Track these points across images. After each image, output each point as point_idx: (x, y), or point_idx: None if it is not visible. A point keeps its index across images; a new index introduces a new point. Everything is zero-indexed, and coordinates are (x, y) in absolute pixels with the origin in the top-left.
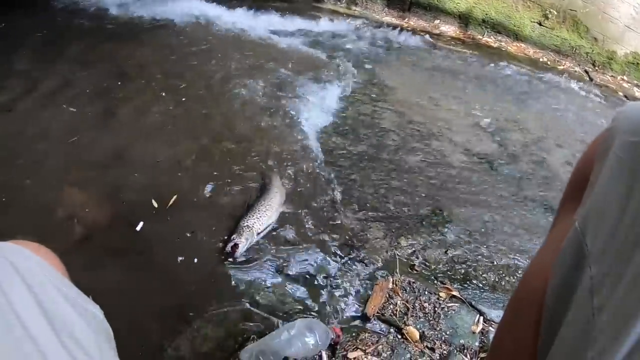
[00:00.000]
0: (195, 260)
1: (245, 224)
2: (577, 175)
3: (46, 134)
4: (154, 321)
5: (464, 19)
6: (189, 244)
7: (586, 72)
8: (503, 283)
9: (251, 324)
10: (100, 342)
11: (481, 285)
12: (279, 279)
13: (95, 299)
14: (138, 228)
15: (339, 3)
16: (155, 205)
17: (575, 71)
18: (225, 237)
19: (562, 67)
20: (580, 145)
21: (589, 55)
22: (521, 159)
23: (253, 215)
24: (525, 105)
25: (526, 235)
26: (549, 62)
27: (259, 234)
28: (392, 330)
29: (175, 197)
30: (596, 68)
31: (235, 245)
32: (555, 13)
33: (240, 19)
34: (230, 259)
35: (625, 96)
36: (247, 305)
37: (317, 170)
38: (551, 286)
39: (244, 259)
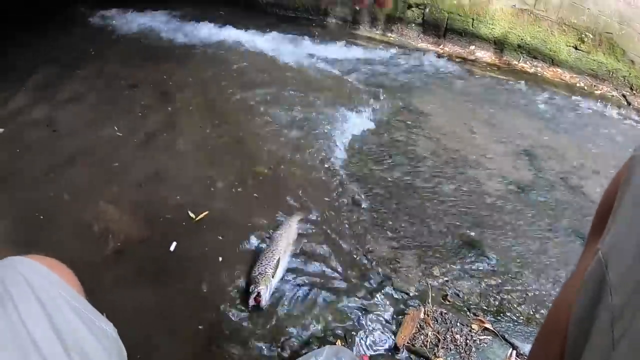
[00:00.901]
0: (224, 283)
1: (257, 273)
2: (604, 204)
3: (86, 151)
4: (178, 343)
5: (499, 45)
6: (218, 267)
7: (623, 96)
8: (537, 316)
9: (279, 349)
10: None
11: (515, 318)
12: (308, 306)
13: (121, 315)
14: (172, 248)
15: (374, 30)
16: (192, 215)
17: (613, 95)
18: (244, 288)
19: (599, 92)
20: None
21: (626, 79)
22: (557, 187)
23: (262, 262)
24: (562, 131)
25: (562, 265)
26: (585, 87)
27: (273, 276)
28: None
29: (206, 212)
30: (634, 92)
31: (259, 295)
32: (591, 36)
33: (274, 45)
34: (258, 310)
35: None
36: (275, 330)
37: (351, 197)
38: (574, 316)
39: (271, 302)
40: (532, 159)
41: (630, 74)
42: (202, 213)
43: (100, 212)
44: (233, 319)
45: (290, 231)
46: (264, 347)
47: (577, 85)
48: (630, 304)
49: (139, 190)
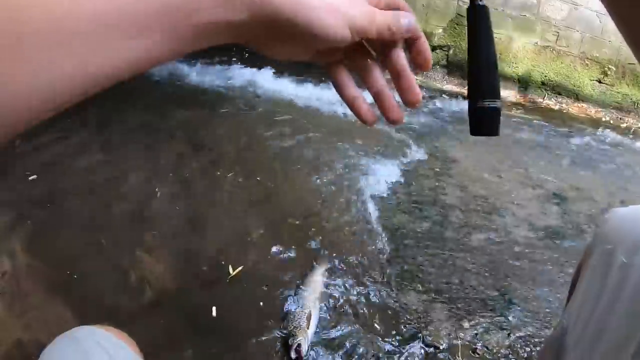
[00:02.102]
0: (262, 337)
1: (292, 327)
2: (574, 277)
3: (125, 197)
4: None
5: (524, 83)
6: (254, 322)
7: None
8: None
9: None
10: None
11: None
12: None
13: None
14: (214, 314)
15: None
16: (230, 270)
17: (639, 127)
18: (282, 342)
19: (624, 125)
20: None
21: None
22: (587, 231)
23: (295, 317)
24: (590, 170)
25: None
26: (611, 121)
27: (308, 328)
28: None
29: (241, 268)
30: None
31: (299, 346)
32: (614, 69)
33: (308, 93)
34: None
35: None
36: None
37: (380, 249)
38: None
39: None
40: (560, 202)
41: None
42: (237, 268)
43: (137, 260)
44: None
45: (316, 283)
46: None
47: (603, 119)
48: None
49: (175, 238)
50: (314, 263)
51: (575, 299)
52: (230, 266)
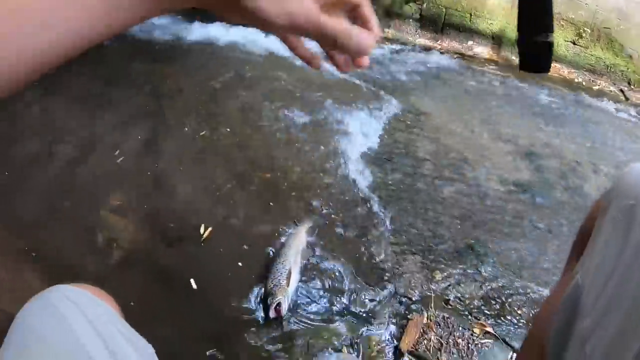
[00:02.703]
0: (235, 295)
1: (272, 285)
2: (582, 231)
3: (87, 158)
4: (191, 351)
5: (497, 40)
6: (228, 274)
7: (621, 91)
8: None
9: (285, 357)
10: None
11: (515, 321)
12: (313, 314)
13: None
14: (187, 274)
15: None
16: (201, 231)
17: (611, 91)
18: (259, 303)
19: (597, 87)
20: (615, 172)
21: (624, 74)
22: (557, 187)
23: (275, 274)
24: (561, 128)
25: (561, 268)
26: (583, 82)
27: (288, 286)
28: None
29: (210, 228)
30: (632, 87)
31: (279, 305)
32: (589, 31)
33: (276, 45)
34: (278, 320)
35: None
36: (282, 338)
37: (350, 202)
38: (553, 332)
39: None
40: (532, 158)
41: (628, 69)
42: (208, 226)
43: (104, 220)
44: (244, 324)
45: (298, 241)
46: (271, 355)
47: (576, 80)
48: (599, 324)
49: (141, 196)
50: (296, 222)
51: (591, 255)
52: (202, 226)
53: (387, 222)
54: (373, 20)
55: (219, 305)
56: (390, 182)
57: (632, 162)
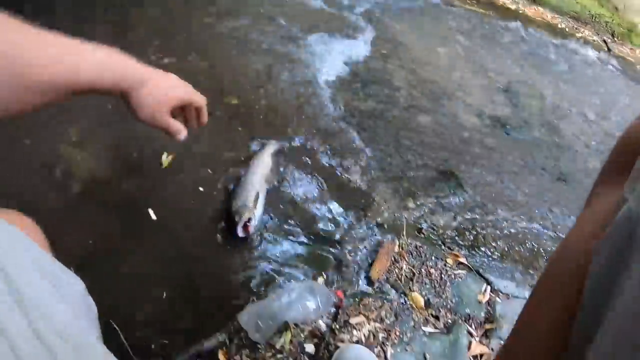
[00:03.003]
0: (197, 218)
1: (238, 206)
2: (625, 144)
3: None
4: (152, 282)
5: None
6: (190, 201)
7: (605, 42)
8: (512, 252)
9: (251, 285)
10: (79, 320)
11: (489, 253)
12: (281, 240)
13: (91, 259)
14: (153, 217)
15: None
16: (163, 159)
17: (594, 40)
18: (223, 225)
19: (580, 35)
20: (595, 117)
21: (608, 25)
22: (535, 125)
23: (241, 197)
24: (542, 70)
25: (538, 204)
26: (567, 29)
27: (255, 208)
28: (396, 295)
29: (171, 156)
30: (615, 39)
31: (249, 221)
32: None
33: None
34: (245, 240)
35: None
36: (248, 267)
37: (322, 127)
38: (595, 269)
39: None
40: (511, 96)
41: (612, 20)
42: (171, 153)
43: (63, 153)
44: (207, 254)
45: (264, 163)
46: (237, 285)
47: (559, 26)
48: None
49: (102, 128)
50: (262, 144)
51: None
52: (165, 153)
53: (360, 148)
54: (203, 117)
55: (180, 233)
56: (364, 109)
57: (612, 111)
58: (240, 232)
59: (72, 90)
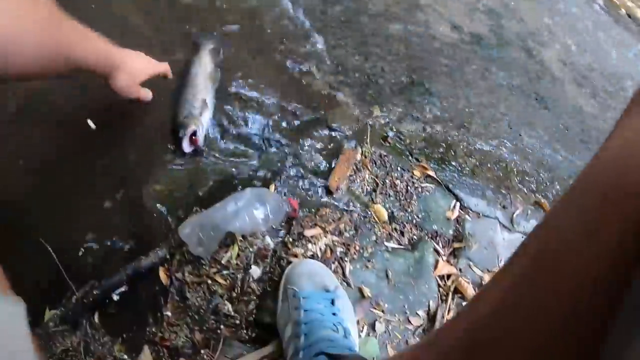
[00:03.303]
0: (138, 125)
1: (183, 117)
2: None
3: None
4: (88, 198)
5: None
6: (132, 108)
7: None
8: (484, 169)
9: (197, 195)
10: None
11: (460, 169)
12: (229, 142)
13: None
14: (92, 125)
15: None
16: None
17: None
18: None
19: None
20: (575, 49)
21: None
22: (513, 46)
23: (185, 105)
24: None
25: (510, 123)
26: None
27: (201, 115)
28: (357, 207)
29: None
30: None
31: (194, 134)
32: None
33: None
34: (195, 153)
35: (628, 15)
36: (195, 176)
37: (285, 31)
38: None
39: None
40: (490, 14)
41: None
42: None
43: None
44: (148, 165)
45: (205, 65)
46: (180, 193)
47: None
48: None
49: None
50: (198, 42)
51: None
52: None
53: (323, 51)
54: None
55: (121, 141)
56: (330, 14)
57: (592, 46)
58: (186, 148)
59: (65, 65)
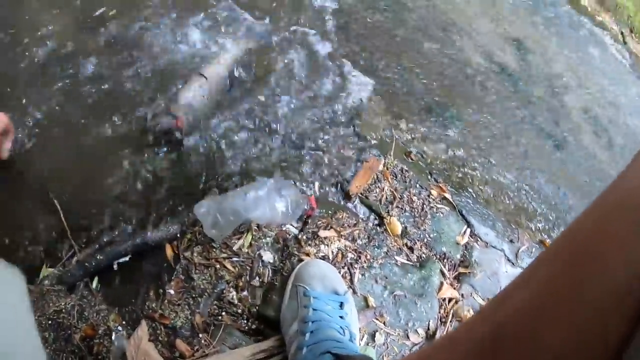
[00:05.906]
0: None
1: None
2: None
3: None
4: (109, 161)
5: None
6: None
7: (622, 33)
8: (497, 201)
9: (216, 174)
10: None
11: (475, 196)
12: (254, 131)
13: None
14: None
15: None
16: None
17: (612, 28)
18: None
19: (600, 19)
20: (600, 97)
21: (630, 19)
22: (539, 85)
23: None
24: (556, 36)
25: (528, 160)
26: (589, 8)
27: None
28: (373, 217)
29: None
30: (632, 34)
31: (179, 120)
32: None
33: None
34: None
35: None
36: (212, 154)
37: (325, 28)
38: None
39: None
40: (520, 49)
41: (635, 16)
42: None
43: None
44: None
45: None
46: (198, 171)
47: (582, 3)
48: None
49: None
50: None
51: None
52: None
53: (356, 57)
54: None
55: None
56: (369, 20)
57: (614, 102)
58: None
59: None
